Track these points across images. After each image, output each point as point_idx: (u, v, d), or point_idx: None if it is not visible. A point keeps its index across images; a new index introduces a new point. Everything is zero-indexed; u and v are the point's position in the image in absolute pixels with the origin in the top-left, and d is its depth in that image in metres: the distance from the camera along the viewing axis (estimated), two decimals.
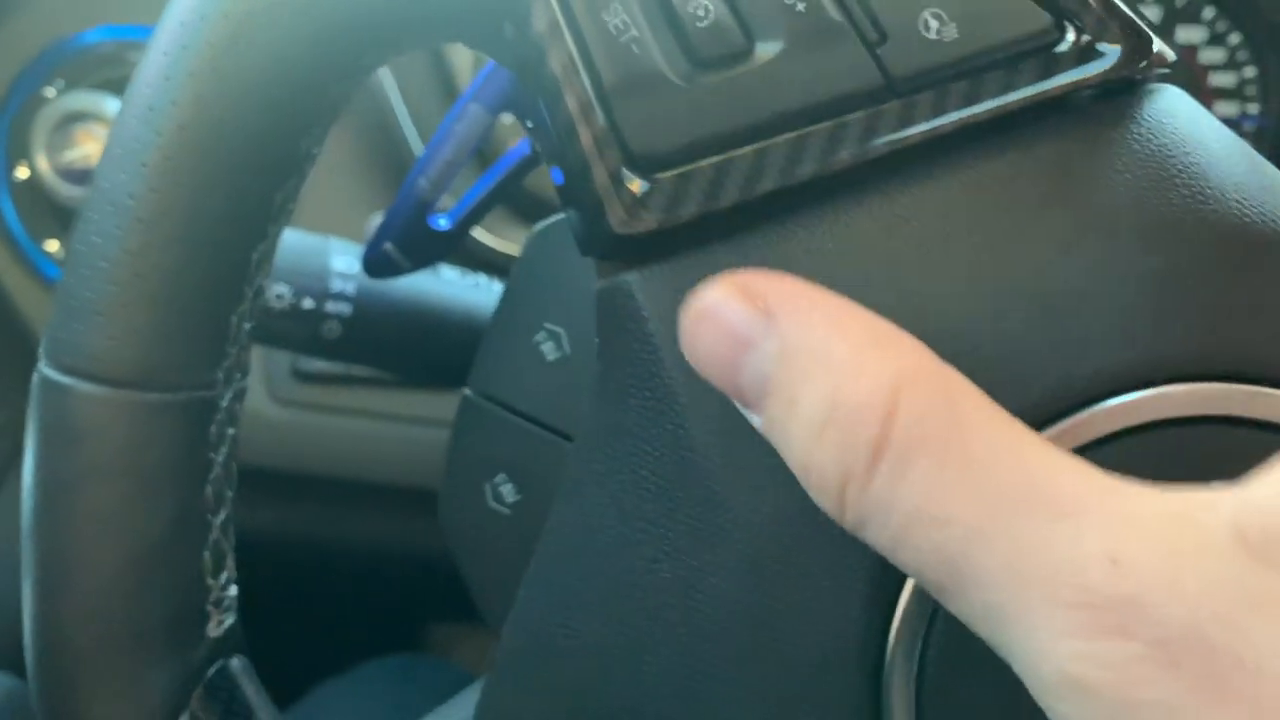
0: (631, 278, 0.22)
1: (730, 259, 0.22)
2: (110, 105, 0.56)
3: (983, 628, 0.16)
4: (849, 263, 0.22)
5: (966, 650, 0.20)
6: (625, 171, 0.22)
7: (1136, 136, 0.23)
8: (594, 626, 0.23)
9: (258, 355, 0.61)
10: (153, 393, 0.23)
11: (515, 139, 0.37)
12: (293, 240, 0.39)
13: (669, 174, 0.22)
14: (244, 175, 0.23)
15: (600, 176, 0.22)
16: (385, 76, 0.56)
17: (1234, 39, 0.69)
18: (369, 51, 0.24)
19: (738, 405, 0.19)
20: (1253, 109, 0.70)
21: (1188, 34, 0.70)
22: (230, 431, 0.25)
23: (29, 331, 0.60)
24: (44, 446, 0.24)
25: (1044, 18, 0.23)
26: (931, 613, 0.21)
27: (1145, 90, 0.23)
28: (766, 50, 0.22)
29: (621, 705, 0.23)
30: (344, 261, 0.39)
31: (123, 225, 0.23)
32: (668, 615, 0.22)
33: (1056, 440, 0.20)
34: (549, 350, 0.28)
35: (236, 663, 0.26)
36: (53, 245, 0.59)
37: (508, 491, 0.28)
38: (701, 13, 0.22)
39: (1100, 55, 0.23)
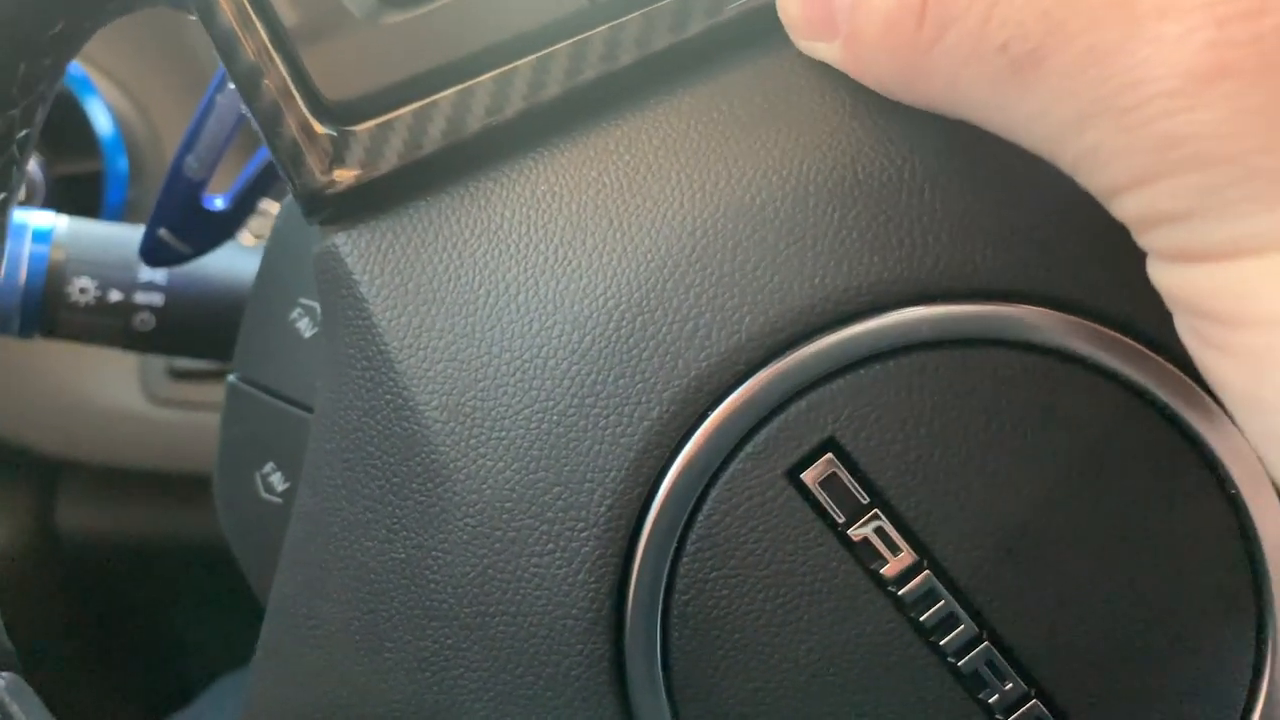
0: (338, 238, 0.21)
1: (437, 209, 0.21)
2: None
3: (1081, 80, 0.15)
4: (565, 203, 0.21)
5: (713, 607, 0.19)
6: (316, 123, 0.21)
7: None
8: (335, 613, 0.22)
9: (132, 355, 0.60)
10: None
11: None
12: (96, 231, 0.37)
13: (366, 125, 0.21)
14: None
15: (289, 129, 0.21)
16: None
17: None
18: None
19: None
20: None
21: None
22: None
23: None
24: None
25: None
26: (669, 572, 0.20)
27: None
28: None
29: (368, 692, 0.22)
30: None
31: None
32: (401, 596, 0.21)
33: (807, 360, 0.19)
34: (305, 327, 0.27)
35: (2, 682, 0.25)
36: None
37: (277, 480, 0.27)
38: None
39: None
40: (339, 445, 0.22)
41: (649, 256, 0.20)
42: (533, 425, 0.20)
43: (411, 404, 0.20)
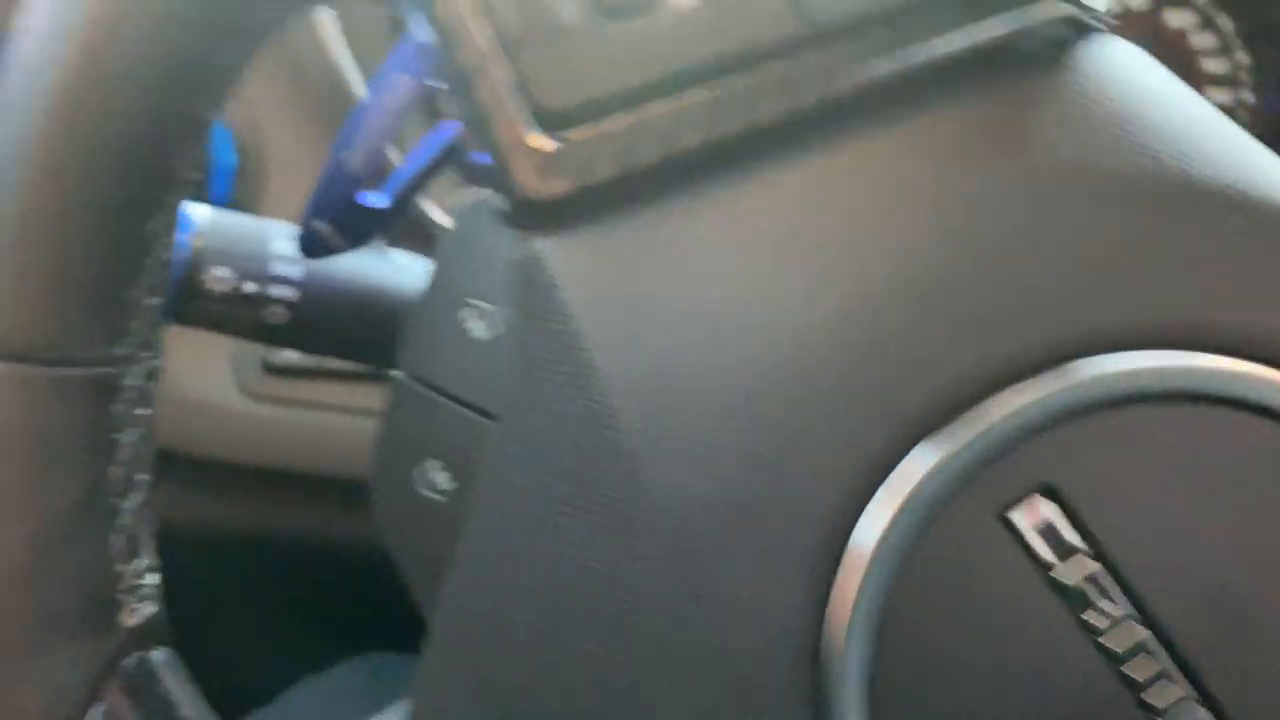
0: (544, 245, 0.21)
1: (649, 223, 0.21)
2: None
3: None
4: (776, 226, 0.20)
5: (922, 634, 0.19)
6: (533, 130, 0.20)
7: (1075, 89, 0.21)
8: (520, 616, 0.22)
9: (226, 348, 0.60)
10: (45, 367, 0.22)
11: None
12: (231, 222, 0.37)
13: (581, 132, 0.21)
14: (135, 141, 0.22)
15: (504, 134, 0.20)
16: (326, 18, 0.55)
17: (1225, 24, 0.68)
18: (261, 8, 0.22)
19: None
20: (1247, 96, 0.69)
21: (1177, 18, 0.68)
22: (142, 412, 0.24)
23: None
24: None
25: None
26: (886, 592, 0.19)
27: (1087, 40, 0.22)
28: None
29: (553, 702, 0.21)
30: (286, 245, 0.38)
31: (7, 191, 0.22)
32: (594, 606, 0.21)
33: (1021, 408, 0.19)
34: (478, 328, 0.27)
35: (158, 654, 0.25)
36: None
37: (441, 479, 0.27)
38: None
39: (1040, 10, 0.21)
40: (529, 449, 0.21)
41: (877, 281, 0.20)
42: (739, 444, 0.20)
43: (611, 413, 0.20)
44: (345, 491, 0.62)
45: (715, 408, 0.20)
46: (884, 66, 0.21)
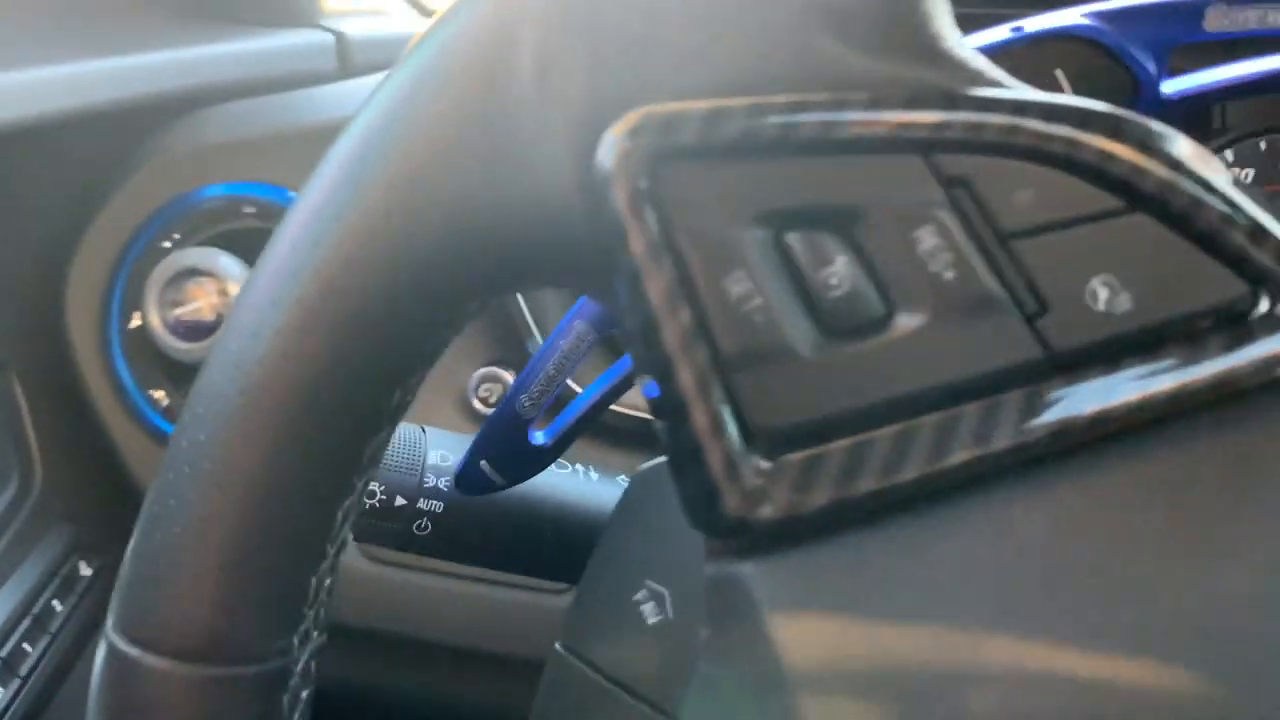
0: (748, 570, 0.20)
1: (864, 552, 0.19)
2: (222, 261, 0.57)
3: None
4: (1003, 564, 0.19)
5: None
6: (745, 453, 0.19)
7: None
8: None
9: None
10: (224, 667, 0.22)
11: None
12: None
13: (796, 455, 0.19)
14: (331, 433, 0.22)
15: (715, 460, 0.19)
16: None
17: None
18: (465, 303, 0.22)
19: None
20: None
21: None
22: (305, 693, 0.23)
23: (133, 479, 0.60)
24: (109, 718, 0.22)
25: (1238, 284, 0.20)
26: None
27: None
28: (908, 321, 0.20)
29: None
30: (438, 454, 0.38)
31: (197, 490, 0.21)
32: None
33: None
34: (649, 611, 0.25)
35: None
36: (160, 395, 0.59)
37: None
38: (835, 280, 0.20)
39: None
40: None
41: (1103, 640, 0.18)
42: None
43: None
44: (466, 660, 0.61)
45: None
46: (1126, 399, 0.19)
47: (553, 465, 0.39)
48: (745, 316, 0.20)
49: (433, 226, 0.21)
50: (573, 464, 0.41)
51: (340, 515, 0.23)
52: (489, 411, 0.59)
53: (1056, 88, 0.26)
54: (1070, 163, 0.20)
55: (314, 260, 0.21)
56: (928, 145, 0.20)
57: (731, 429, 0.20)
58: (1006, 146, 0.20)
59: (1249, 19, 0.26)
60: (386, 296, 0.22)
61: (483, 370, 0.59)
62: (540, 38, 0.21)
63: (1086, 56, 0.26)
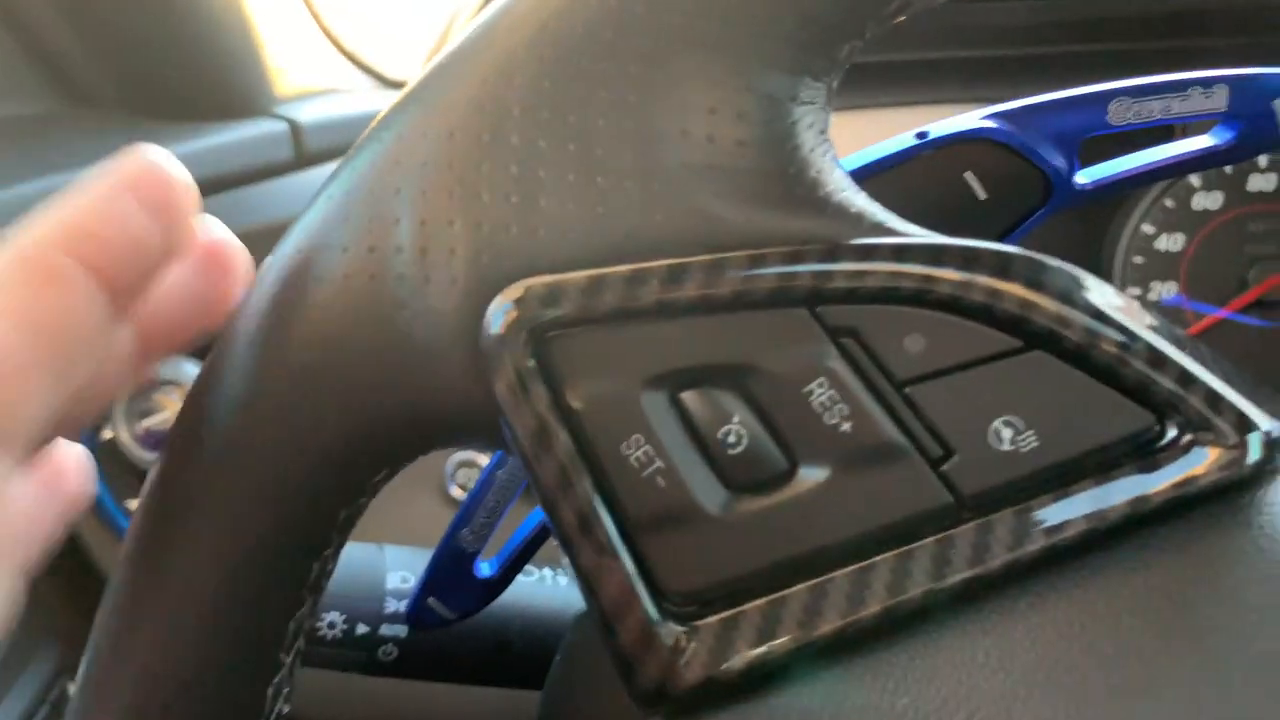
0: None
1: (787, 710, 0.19)
2: (187, 369, 0.57)
3: None
4: (925, 713, 0.18)
5: None
6: (660, 620, 0.19)
7: (1269, 548, 0.19)
8: None
9: None
10: None
11: None
12: (346, 561, 0.37)
13: (712, 619, 0.19)
14: (256, 610, 0.22)
15: (630, 629, 0.19)
16: None
17: None
18: (373, 475, 0.22)
19: None
20: None
21: (1261, 181, 0.65)
22: None
23: (102, 583, 0.60)
24: None
25: (1142, 414, 0.20)
26: None
27: (1278, 473, 0.20)
28: (812, 474, 0.20)
29: None
30: (399, 576, 0.37)
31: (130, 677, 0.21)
32: None
33: None
34: None
35: None
36: (133, 504, 0.59)
37: None
38: (734, 437, 0.20)
39: (1209, 453, 0.19)
40: None
41: None
42: None
43: None
44: None
45: None
46: (1039, 540, 0.19)
47: (519, 576, 0.38)
48: (647, 481, 0.19)
49: (332, 413, 0.21)
50: (540, 568, 0.40)
51: (270, 692, 0.23)
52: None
53: (968, 191, 0.26)
54: (959, 305, 0.19)
55: (224, 444, 0.21)
56: (812, 298, 0.20)
57: (644, 596, 0.19)
58: (891, 293, 0.20)
59: (1153, 110, 0.25)
60: (298, 475, 0.21)
61: (458, 456, 0.59)
62: (417, 215, 0.20)
63: (996, 157, 0.26)
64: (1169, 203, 0.64)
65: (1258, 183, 0.65)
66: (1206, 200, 0.65)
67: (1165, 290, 0.65)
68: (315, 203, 0.22)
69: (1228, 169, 0.64)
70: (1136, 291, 0.65)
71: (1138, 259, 0.65)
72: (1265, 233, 0.64)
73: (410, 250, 0.20)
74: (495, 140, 0.20)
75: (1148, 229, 0.65)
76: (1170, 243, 0.65)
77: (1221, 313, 0.63)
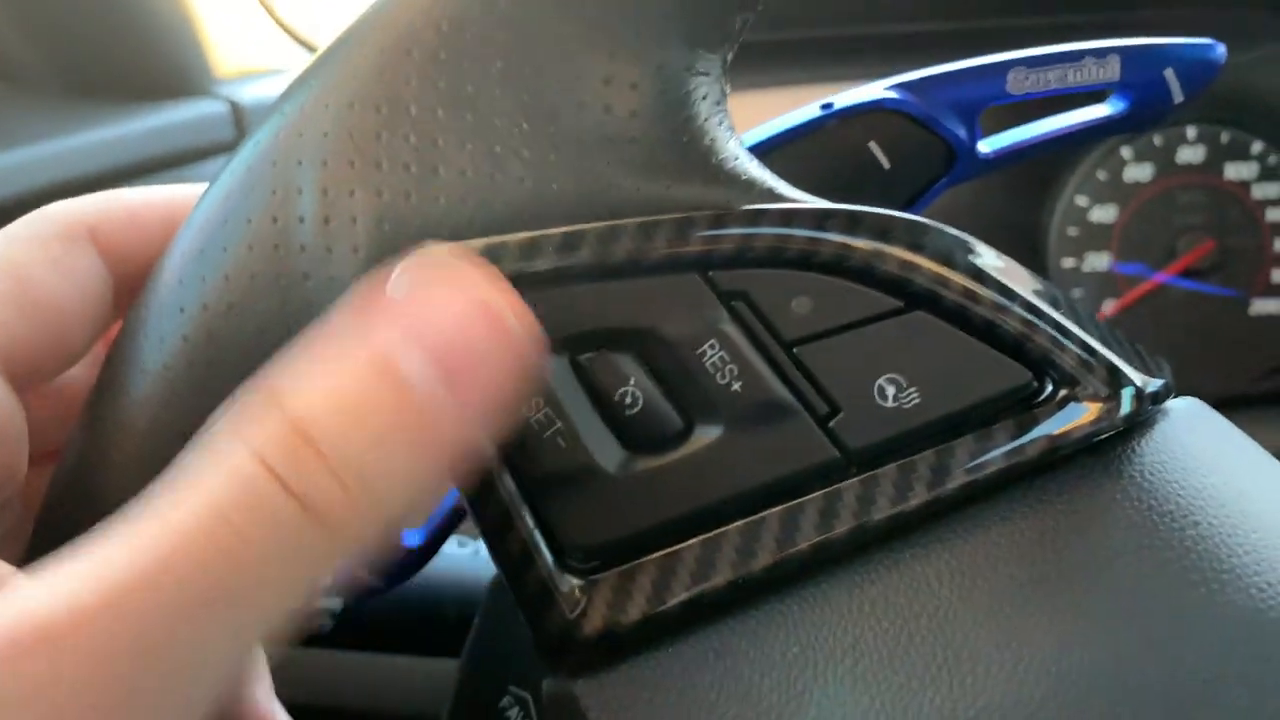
0: (579, 686, 0.20)
1: (684, 662, 0.20)
2: None
3: None
4: (814, 663, 0.19)
5: None
6: (559, 574, 0.20)
7: (1136, 495, 0.20)
8: None
9: None
10: None
11: None
12: None
13: (609, 573, 0.20)
14: None
15: (532, 582, 0.20)
16: None
17: None
18: None
19: None
20: None
21: (1237, 170, 0.67)
22: None
23: None
24: None
25: (1020, 373, 0.20)
26: None
27: (1149, 426, 0.21)
28: (706, 433, 0.20)
29: None
30: None
31: None
32: None
33: None
34: (515, 716, 0.26)
35: None
36: None
37: None
38: (631, 399, 0.20)
39: (1083, 407, 0.20)
40: None
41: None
42: None
43: None
44: None
45: None
46: (922, 492, 0.20)
47: (452, 544, 0.39)
48: (548, 441, 0.20)
49: (238, 385, 0.21)
50: (475, 539, 0.41)
51: None
52: None
53: (873, 160, 0.27)
54: (843, 267, 0.20)
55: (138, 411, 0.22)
56: (703, 262, 0.20)
57: (545, 552, 0.20)
58: (779, 256, 0.20)
59: (1049, 79, 0.26)
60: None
61: None
62: (319, 185, 0.21)
63: (899, 127, 0.26)
64: (1101, 175, 0.66)
65: (1186, 155, 0.66)
66: (1137, 172, 0.66)
67: (1099, 260, 0.66)
68: (221, 175, 0.22)
69: (1156, 141, 0.65)
70: (1072, 262, 0.66)
71: (1072, 230, 0.66)
72: (1193, 204, 0.66)
73: (313, 220, 0.21)
74: (393, 110, 0.20)
75: (1081, 201, 0.66)
76: (1103, 214, 0.66)
77: (1155, 277, 0.65)
